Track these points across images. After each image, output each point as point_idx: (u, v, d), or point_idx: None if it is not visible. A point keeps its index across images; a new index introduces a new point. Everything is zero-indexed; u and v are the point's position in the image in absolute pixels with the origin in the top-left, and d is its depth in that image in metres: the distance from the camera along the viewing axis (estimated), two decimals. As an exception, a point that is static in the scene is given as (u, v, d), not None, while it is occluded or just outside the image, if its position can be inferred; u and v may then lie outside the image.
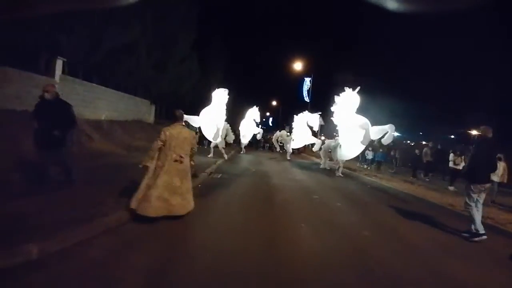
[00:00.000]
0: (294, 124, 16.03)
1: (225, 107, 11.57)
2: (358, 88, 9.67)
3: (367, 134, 8.73)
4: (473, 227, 4.37)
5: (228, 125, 13.25)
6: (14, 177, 4.55)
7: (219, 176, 8.06)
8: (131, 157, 7.96)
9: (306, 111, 16.12)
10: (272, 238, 3.63)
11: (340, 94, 10.18)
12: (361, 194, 7.66)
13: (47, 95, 4.42)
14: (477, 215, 4.39)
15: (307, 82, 28.01)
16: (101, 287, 2.27)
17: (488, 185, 4.56)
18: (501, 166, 7.39)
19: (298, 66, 25.53)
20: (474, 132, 27.86)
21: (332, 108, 10.49)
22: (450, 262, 3.44)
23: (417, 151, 13.63)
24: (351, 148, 10.03)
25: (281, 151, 18.80)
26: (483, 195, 4.50)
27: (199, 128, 11.53)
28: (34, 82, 8.01)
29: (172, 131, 3.92)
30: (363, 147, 9.77)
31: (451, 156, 10.26)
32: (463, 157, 9.71)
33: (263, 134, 20.50)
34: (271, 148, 24.05)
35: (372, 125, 9.12)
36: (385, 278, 2.83)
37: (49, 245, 2.67)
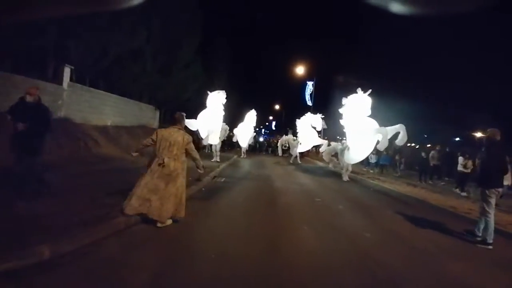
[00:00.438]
0: (298, 128, 16.09)
1: (222, 109, 11.62)
2: (370, 90, 9.38)
3: (384, 139, 8.52)
4: (480, 232, 4.33)
5: (227, 126, 13.33)
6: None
7: (222, 180, 8.18)
8: (137, 162, 8.11)
9: (309, 113, 16.11)
10: (275, 240, 3.71)
11: (349, 96, 9.88)
12: (363, 197, 7.71)
13: (29, 98, 4.10)
14: (492, 222, 4.27)
15: (310, 86, 28.15)
16: (110, 286, 2.38)
17: (501, 189, 4.48)
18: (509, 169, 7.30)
19: (300, 70, 25.71)
20: (478, 135, 27.64)
21: (340, 110, 10.19)
22: (451, 264, 3.49)
23: (423, 154, 13.24)
24: (359, 151, 9.79)
25: (285, 155, 18.81)
26: (494, 200, 4.40)
27: (197, 131, 11.60)
28: (42, 89, 8.23)
29: (164, 133, 3.87)
30: (371, 150, 9.65)
31: (461, 159, 9.84)
32: (471, 160, 9.38)
33: (266, 138, 20.57)
34: (274, 152, 24.14)
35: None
36: (386, 280, 2.89)
37: (61, 246, 2.79)
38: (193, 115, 12.23)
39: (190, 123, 11.00)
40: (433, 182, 12.19)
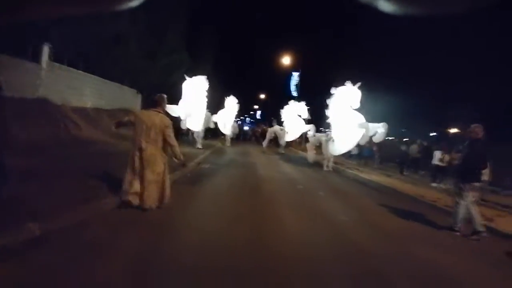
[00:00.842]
0: (283, 118, 16.25)
1: (206, 95, 11.50)
2: (359, 84, 9.42)
3: (366, 134, 8.87)
4: (457, 223, 4.47)
5: (210, 113, 13.29)
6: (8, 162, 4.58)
7: (207, 166, 8.28)
8: (119, 145, 8.02)
9: (292, 101, 16.29)
10: (258, 222, 3.94)
11: (338, 87, 9.93)
12: (342, 185, 8.11)
13: None
14: (462, 212, 4.42)
15: (295, 76, 28.35)
16: (96, 261, 2.48)
17: (479, 184, 4.67)
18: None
19: (286, 60, 25.75)
20: (453, 130, 29.11)
21: (328, 101, 10.30)
22: (412, 243, 3.88)
23: (403, 147, 13.52)
24: (343, 143, 10.06)
25: (269, 144, 18.80)
26: (475, 194, 4.55)
27: (178, 117, 11.40)
28: (22, 68, 7.92)
29: (142, 116, 3.68)
30: (354, 143, 9.95)
31: (438, 153, 10.02)
32: (448, 155, 9.43)
33: (250, 127, 20.62)
34: (258, 140, 24.33)
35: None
36: (356, 253, 3.23)
37: (50, 224, 2.84)
38: (177, 101, 12.11)
39: (172, 109, 10.86)
40: (410, 174, 12.68)
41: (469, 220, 4.44)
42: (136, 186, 3.60)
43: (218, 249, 2.93)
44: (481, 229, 4.30)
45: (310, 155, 12.60)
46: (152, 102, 3.85)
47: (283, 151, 16.35)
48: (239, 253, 2.91)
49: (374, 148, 16.62)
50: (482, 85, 19.28)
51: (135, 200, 3.61)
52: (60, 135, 7.58)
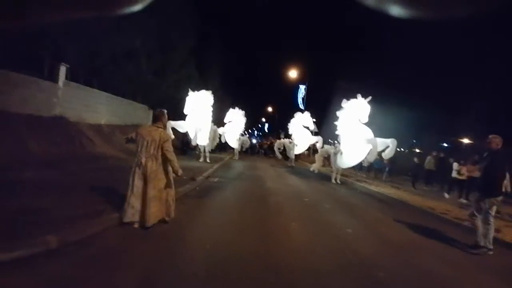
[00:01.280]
0: (290, 130, 16.36)
1: (211, 110, 11.66)
2: (370, 98, 9.42)
3: (374, 150, 8.72)
4: (482, 241, 4.20)
5: (216, 127, 13.33)
6: (25, 176, 4.87)
7: (215, 180, 8.42)
8: (130, 160, 8.26)
9: (298, 113, 16.31)
10: (265, 233, 4.02)
11: (349, 100, 9.90)
12: (349, 198, 8.08)
13: None
14: (481, 227, 4.21)
15: (302, 89, 28.65)
16: (111, 273, 2.61)
17: (501, 197, 4.36)
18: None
19: (293, 73, 26.17)
20: (466, 141, 28.49)
21: (338, 113, 10.25)
22: (420, 256, 3.86)
23: (416, 159, 12.79)
24: (352, 157, 9.95)
25: (281, 158, 18.45)
26: (495, 208, 4.27)
27: (187, 133, 11.58)
28: (38, 87, 8.37)
29: (143, 132, 3.69)
30: (362, 157, 9.87)
31: (455, 165, 9.56)
32: (465, 167, 8.86)
33: (258, 140, 20.73)
34: (267, 154, 24.42)
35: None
36: (359, 265, 3.26)
37: (66, 236, 3.01)
38: (186, 116, 12.44)
39: (179, 125, 11.09)
40: (424, 187, 11.84)
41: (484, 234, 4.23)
42: (137, 205, 3.56)
43: (226, 258, 3.04)
44: (490, 246, 4.14)
45: (316, 165, 12.54)
46: (153, 117, 3.89)
47: (292, 164, 16.37)
48: (246, 262, 3.01)
49: (385, 161, 16.31)
50: (492, 92, 19.00)
51: (135, 219, 3.57)
52: (75, 151, 7.92)
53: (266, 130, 52.44)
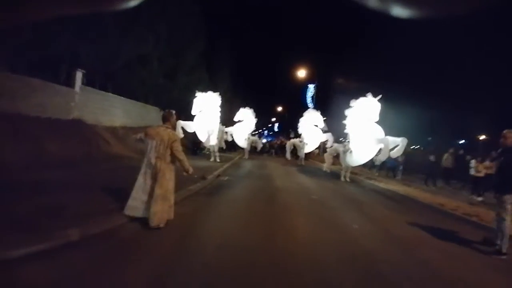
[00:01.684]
0: (300, 129, 16.41)
1: (219, 110, 11.89)
2: (380, 96, 9.37)
3: (385, 149, 8.67)
4: (499, 240, 4.05)
5: (223, 127, 13.48)
6: (44, 175, 5.20)
7: (225, 179, 8.63)
8: (142, 160, 8.59)
9: (306, 112, 16.34)
10: (273, 228, 4.17)
11: (359, 98, 9.88)
12: (357, 195, 8.12)
13: None
14: (508, 230, 4.01)
15: (311, 88, 28.59)
16: (129, 264, 2.83)
17: None
18: None
19: (302, 73, 26.17)
20: (482, 137, 27.62)
21: (346, 111, 10.25)
22: (426, 252, 3.90)
23: (431, 157, 12.29)
24: (361, 156, 9.94)
25: (293, 158, 18.23)
26: (510, 207, 4.04)
27: (194, 133, 11.87)
28: (56, 92, 8.82)
29: (151, 132, 3.74)
30: (372, 156, 9.87)
31: (473, 162, 9.31)
32: (483, 164, 8.79)
33: (268, 139, 20.80)
34: (277, 153, 24.50)
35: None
36: (364, 259, 3.35)
37: (87, 229, 3.26)
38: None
39: (188, 125, 11.43)
40: (441, 185, 11.51)
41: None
42: (144, 198, 3.67)
43: (235, 250, 3.24)
44: (504, 250, 3.97)
45: (327, 164, 12.55)
46: (162, 118, 3.93)
47: (302, 163, 16.41)
48: (254, 253, 3.19)
49: (398, 159, 16.00)
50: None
51: (137, 212, 3.66)
52: (92, 152, 8.30)
53: (276, 130, 52.48)
